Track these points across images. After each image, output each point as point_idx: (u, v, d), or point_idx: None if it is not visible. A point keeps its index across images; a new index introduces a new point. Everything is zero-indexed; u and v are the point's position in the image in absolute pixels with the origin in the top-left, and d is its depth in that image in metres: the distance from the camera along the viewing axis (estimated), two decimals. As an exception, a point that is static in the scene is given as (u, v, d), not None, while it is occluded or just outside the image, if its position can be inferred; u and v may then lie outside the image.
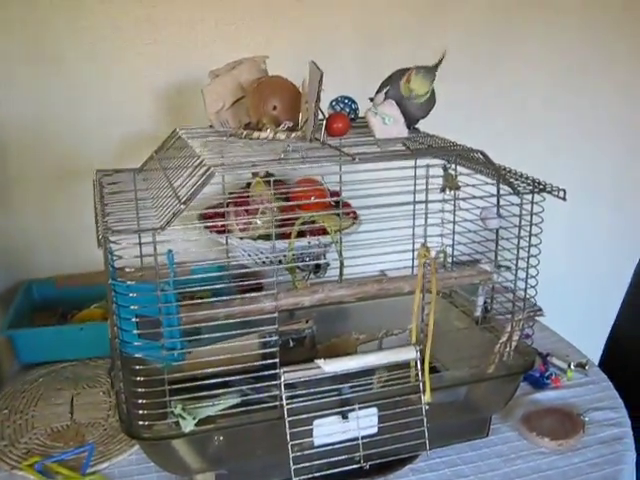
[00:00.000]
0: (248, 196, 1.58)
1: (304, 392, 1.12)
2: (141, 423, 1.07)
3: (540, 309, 1.71)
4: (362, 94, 1.31)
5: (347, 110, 1.27)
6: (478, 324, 1.36)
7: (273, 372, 1.10)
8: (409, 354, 1.14)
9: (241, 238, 1.50)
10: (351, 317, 1.50)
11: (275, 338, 1.12)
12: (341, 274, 1.43)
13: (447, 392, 1.20)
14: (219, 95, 1.26)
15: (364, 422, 1.14)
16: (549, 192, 1.15)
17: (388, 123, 1.16)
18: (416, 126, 1.30)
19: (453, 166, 1.30)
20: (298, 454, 1.10)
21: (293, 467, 1.08)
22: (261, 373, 1.11)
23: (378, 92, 1.24)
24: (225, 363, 1.12)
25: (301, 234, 1.52)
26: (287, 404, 1.09)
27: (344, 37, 1.84)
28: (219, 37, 1.72)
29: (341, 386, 1.13)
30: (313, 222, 1.51)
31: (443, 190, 1.32)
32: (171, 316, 1.05)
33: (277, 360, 1.10)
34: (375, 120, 1.16)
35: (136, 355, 1.07)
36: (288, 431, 1.09)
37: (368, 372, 1.17)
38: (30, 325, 1.57)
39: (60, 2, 1.60)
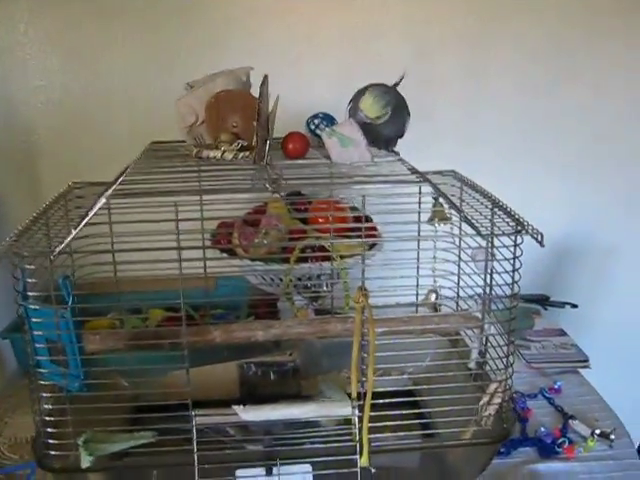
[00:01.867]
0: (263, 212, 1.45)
1: (223, 438, 0.99)
2: (52, 453, 0.99)
3: (585, 359, 1.47)
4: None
5: (322, 128, 1.12)
6: (471, 376, 1.16)
7: (185, 413, 0.97)
8: (344, 410, 0.98)
9: (240, 259, 1.38)
10: (344, 352, 1.34)
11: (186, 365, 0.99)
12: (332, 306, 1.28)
13: (397, 456, 1.02)
14: (192, 108, 1.15)
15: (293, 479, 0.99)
16: (517, 233, 0.95)
17: (347, 146, 1.00)
18: (395, 148, 1.12)
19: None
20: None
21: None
22: (175, 413, 0.99)
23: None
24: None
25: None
26: (198, 451, 0.96)
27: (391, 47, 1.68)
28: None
29: (262, 437, 0.99)
30: (322, 247, 1.36)
31: (432, 222, 1.14)
32: (71, 344, 0.95)
33: (189, 401, 0.97)
34: (331, 142, 1.01)
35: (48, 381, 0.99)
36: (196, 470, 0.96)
37: (310, 423, 1.02)
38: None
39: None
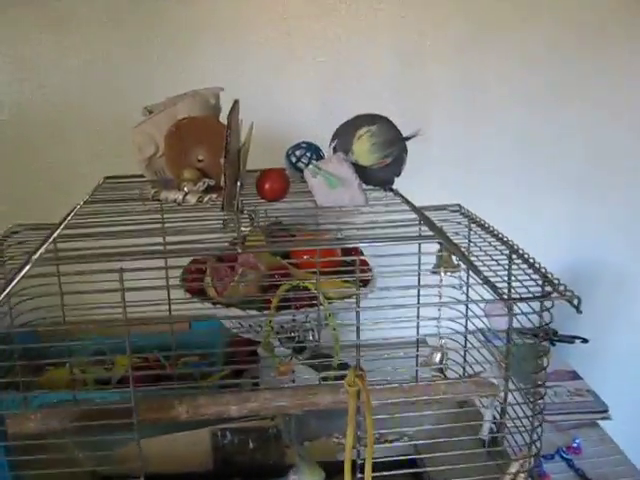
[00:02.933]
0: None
1: None
2: None
3: (605, 409, 1.27)
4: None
5: (305, 162, 0.92)
6: (485, 447, 0.97)
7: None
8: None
9: (214, 303, 1.17)
10: (335, 415, 1.14)
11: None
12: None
13: None
14: (151, 138, 0.94)
15: None
16: (544, 298, 0.75)
17: (335, 187, 0.80)
18: (393, 187, 0.92)
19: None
20: None
21: None
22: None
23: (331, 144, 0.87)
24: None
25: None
26: None
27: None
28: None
29: None
30: (306, 289, 1.16)
31: (437, 271, 0.94)
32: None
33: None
34: (316, 182, 0.81)
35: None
36: None
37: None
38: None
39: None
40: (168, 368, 1.29)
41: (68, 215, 0.90)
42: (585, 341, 1.53)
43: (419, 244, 0.96)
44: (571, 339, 1.53)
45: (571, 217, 1.60)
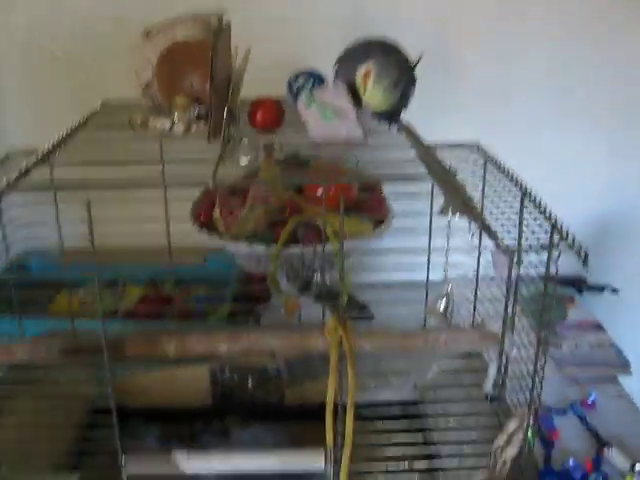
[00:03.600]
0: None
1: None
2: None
3: (626, 364, 1.19)
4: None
5: (308, 91, 0.84)
6: (487, 400, 0.91)
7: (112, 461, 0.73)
8: (314, 464, 0.73)
9: (221, 236, 1.12)
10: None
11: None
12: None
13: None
14: (148, 62, 0.88)
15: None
16: (552, 247, 0.67)
17: (330, 119, 0.73)
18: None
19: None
20: None
21: None
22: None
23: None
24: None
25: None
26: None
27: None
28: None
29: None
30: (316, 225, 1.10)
31: (444, 213, 0.86)
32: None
33: (118, 447, 0.73)
34: (309, 114, 0.73)
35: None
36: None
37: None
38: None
39: None
40: (176, 300, 1.26)
41: (62, 140, 0.85)
42: (615, 291, 1.44)
43: (432, 185, 0.89)
44: (600, 288, 1.45)
45: (604, 166, 1.49)
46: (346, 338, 0.68)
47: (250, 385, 1.03)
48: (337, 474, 0.72)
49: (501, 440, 0.81)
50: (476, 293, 0.94)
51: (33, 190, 0.77)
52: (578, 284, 1.44)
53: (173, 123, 0.76)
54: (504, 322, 0.81)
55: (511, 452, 0.80)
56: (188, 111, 0.78)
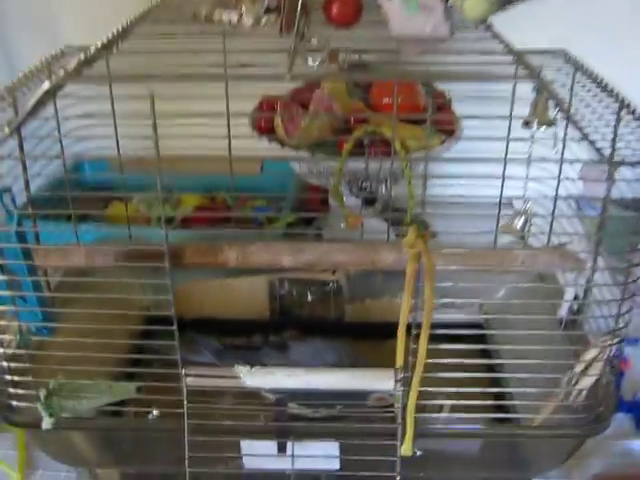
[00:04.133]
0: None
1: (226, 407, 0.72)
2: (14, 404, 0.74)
3: None
4: None
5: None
6: (561, 327, 0.85)
7: (173, 371, 0.70)
8: (383, 383, 0.68)
9: (283, 145, 1.06)
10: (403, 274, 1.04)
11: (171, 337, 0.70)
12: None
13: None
14: (213, -51, 0.80)
15: (309, 458, 0.72)
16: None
17: (414, 11, 0.65)
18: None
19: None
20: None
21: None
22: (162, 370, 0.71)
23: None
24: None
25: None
26: (189, 414, 0.69)
27: None
28: None
29: (276, 408, 0.72)
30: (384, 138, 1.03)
31: (527, 124, 0.79)
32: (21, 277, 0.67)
33: (178, 359, 0.69)
34: (390, 6, 0.66)
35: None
36: (187, 447, 0.70)
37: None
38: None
39: None
40: (234, 210, 1.21)
41: (120, 34, 0.78)
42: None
43: (514, 84, 0.80)
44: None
45: None
46: (425, 252, 0.62)
47: (309, 300, 0.99)
48: (406, 395, 0.67)
49: (577, 368, 0.75)
50: (554, 211, 0.87)
51: (87, 83, 0.71)
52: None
53: (241, 15, 0.69)
54: (597, 243, 0.73)
55: (587, 382, 0.74)
56: (257, 2, 0.70)
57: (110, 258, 0.79)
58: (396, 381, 0.67)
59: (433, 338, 0.87)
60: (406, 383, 0.68)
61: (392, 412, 0.69)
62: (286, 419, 0.70)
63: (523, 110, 0.82)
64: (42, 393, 0.69)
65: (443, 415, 0.71)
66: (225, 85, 0.83)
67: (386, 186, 1.05)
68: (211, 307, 0.99)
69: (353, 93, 1.13)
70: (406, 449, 0.69)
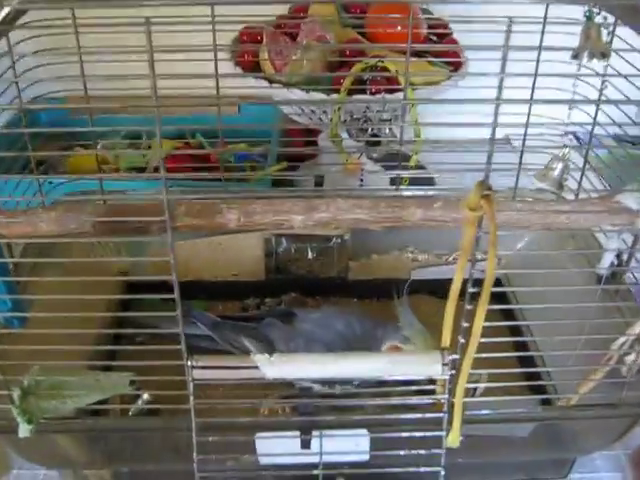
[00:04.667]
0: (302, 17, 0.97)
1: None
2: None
3: None
4: None
5: None
6: (601, 283, 0.74)
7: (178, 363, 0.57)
8: (428, 367, 0.57)
9: (270, 81, 0.92)
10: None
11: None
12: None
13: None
14: None
15: (336, 446, 0.61)
16: None
17: None
18: None
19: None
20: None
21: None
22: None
23: None
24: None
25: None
26: (197, 407, 0.58)
27: None
28: None
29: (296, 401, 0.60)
30: (385, 70, 0.90)
31: (576, 56, 0.67)
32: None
33: (183, 348, 0.57)
34: None
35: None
36: (195, 447, 0.58)
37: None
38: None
39: None
40: (212, 156, 1.07)
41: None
42: None
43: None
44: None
45: None
46: (491, 216, 0.50)
47: (310, 257, 0.87)
48: (452, 378, 0.57)
49: (633, 332, 0.66)
50: (587, 155, 0.76)
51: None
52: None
53: None
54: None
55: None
56: None
57: (88, 223, 0.66)
58: (443, 364, 0.57)
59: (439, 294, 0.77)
60: (454, 366, 0.57)
61: (434, 397, 0.58)
62: (311, 411, 0.59)
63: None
64: (16, 394, 0.56)
65: (491, 399, 0.61)
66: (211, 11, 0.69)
67: (390, 127, 0.92)
68: (198, 269, 0.87)
69: (346, 22, 0.99)
70: (453, 440, 0.59)
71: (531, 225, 0.65)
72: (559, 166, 0.73)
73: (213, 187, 0.84)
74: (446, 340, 0.57)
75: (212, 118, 0.99)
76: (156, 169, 1.05)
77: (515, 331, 0.79)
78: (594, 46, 0.64)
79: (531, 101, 0.64)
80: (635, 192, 0.67)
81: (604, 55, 0.65)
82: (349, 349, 0.71)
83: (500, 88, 0.48)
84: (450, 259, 0.88)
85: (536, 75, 0.64)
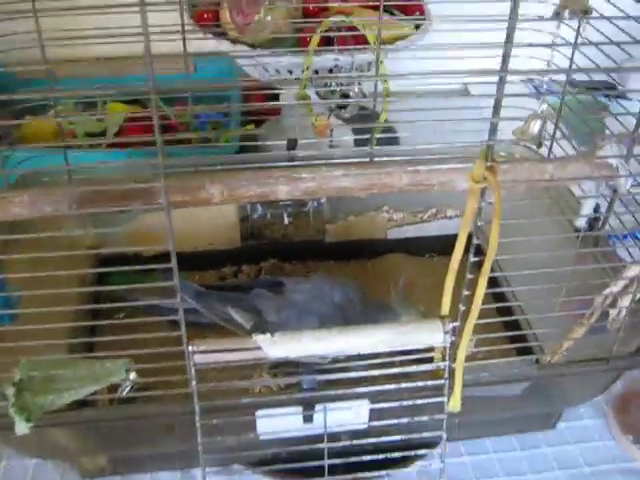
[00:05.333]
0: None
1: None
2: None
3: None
4: None
5: None
6: (578, 238, 0.75)
7: (178, 348, 0.55)
8: (430, 336, 0.57)
9: (233, 42, 0.88)
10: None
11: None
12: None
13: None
14: None
15: (339, 418, 0.61)
16: None
17: None
18: None
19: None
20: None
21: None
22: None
23: None
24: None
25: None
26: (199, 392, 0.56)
27: None
28: None
29: (299, 377, 0.59)
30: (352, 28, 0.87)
31: (558, 15, 0.65)
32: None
33: (183, 333, 0.55)
34: None
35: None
36: (199, 432, 0.57)
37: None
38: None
39: None
40: (171, 121, 1.02)
41: None
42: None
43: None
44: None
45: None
46: (497, 188, 0.49)
47: (286, 222, 0.86)
48: (453, 345, 0.57)
49: (617, 286, 0.67)
50: (561, 108, 0.75)
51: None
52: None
53: None
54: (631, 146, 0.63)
55: (628, 301, 0.66)
56: None
57: (64, 204, 0.62)
58: (445, 332, 0.56)
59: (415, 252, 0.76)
60: (454, 333, 0.57)
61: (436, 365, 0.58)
62: (315, 386, 0.58)
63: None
64: (10, 391, 0.54)
65: (488, 362, 0.61)
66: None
67: (358, 86, 0.90)
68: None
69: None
70: (454, 405, 0.59)
71: (517, 185, 0.65)
72: (538, 123, 0.72)
73: (185, 155, 0.80)
74: (446, 308, 0.57)
75: (169, 77, 0.95)
76: (116, 135, 1.00)
77: (498, 294, 0.78)
78: (575, 3, 0.63)
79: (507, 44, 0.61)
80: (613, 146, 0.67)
81: (585, 12, 0.64)
82: (346, 323, 0.69)
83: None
84: (425, 217, 0.87)
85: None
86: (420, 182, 0.66)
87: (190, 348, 0.54)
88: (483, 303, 0.54)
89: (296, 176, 0.65)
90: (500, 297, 0.77)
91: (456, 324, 0.57)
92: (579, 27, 0.66)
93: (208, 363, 0.55)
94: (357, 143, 0.96)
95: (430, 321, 0.57)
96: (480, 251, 0.54)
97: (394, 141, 0.91)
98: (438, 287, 0.57)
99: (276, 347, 0.55)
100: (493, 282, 0.78)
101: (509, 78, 0.48)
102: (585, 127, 0.77)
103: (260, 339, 0.55)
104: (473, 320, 0.55)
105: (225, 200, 0.66)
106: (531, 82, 1.23)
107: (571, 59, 0.68)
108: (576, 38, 0.68)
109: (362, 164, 0.67)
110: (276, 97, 0.98)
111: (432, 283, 0.79)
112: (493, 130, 0.50)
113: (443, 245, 0.82)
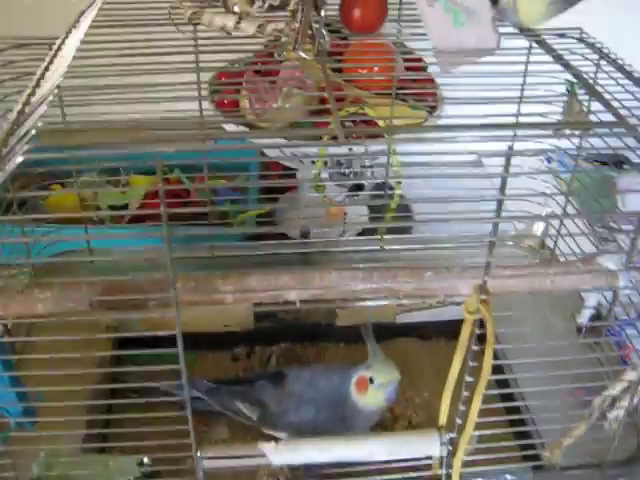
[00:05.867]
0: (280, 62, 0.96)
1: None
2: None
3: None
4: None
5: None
6: (581, 334, 0.77)
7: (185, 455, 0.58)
8: (427, 447, 0.59)
9: (250, 127, 0.91)
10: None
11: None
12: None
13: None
14: None
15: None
16: None
17: (461, 23, 0.52)
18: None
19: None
20: None
21: None
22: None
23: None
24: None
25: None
26: None
27: None
28: None
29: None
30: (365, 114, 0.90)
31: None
32: None
33: (192, 440, 0.57)
34: (433, 13, 0.52)
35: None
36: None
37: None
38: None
39: None
40: (192, 192, 1.06)
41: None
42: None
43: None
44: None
45: None
46: (489, 319, 0.52)
47: (298, 305, 0.88)
48: (450, 453, 0.59)
49: (614, 390, 0.68)
50: (567, 199, 0.77)
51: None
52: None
53: (238, 21, 0.54)
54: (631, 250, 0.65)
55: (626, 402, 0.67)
56: (255, 2, 0.55)
57: (85, 302, 0.66)
58: (441, 444, 0.58)
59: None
60: (451, 443, 0.59)
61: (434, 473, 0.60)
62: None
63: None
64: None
65: (485, 468, 0.63)
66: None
67: (371, 171, 0.93)
68: (185, 322, 0.86)
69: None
70: (451, 515, 0.61)
71: (518, 290, 0.67)
72: (541, 227, 0.74)
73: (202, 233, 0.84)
74: (443, 419, 0.59)
75: (193, 153, 0.98)
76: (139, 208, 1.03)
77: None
78: (576, 115, 0.66)
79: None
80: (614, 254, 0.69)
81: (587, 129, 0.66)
82: (330, 404, 0.72)
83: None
84: (433, 303, 0.90)
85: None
86: (423, 288, 0.69)
87: (199, 454, 0.57)
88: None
89: (305, 280, 0.68)
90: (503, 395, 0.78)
91: (453, 435, 0.59)
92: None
93: (216, 468, 0.58)
94: (371, 218, 0.99)
95: (427, 432, 0.59)
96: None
97: (408, 217, 0.94)
98: (444, 372, 0.58)
99: (280, 455, 0.58)
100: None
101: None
102: (596, 204, 0.80)
103: (265, 447, 0.58)
104: (470, 432, 0.57)
105: (237, 300, 0.69)
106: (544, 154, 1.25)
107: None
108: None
109: (369, 271, 0.69)
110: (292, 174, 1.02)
111: (439, 368, 0.81)
112: (494, 230, 0.50)
113: (452, 330, 0.84)
